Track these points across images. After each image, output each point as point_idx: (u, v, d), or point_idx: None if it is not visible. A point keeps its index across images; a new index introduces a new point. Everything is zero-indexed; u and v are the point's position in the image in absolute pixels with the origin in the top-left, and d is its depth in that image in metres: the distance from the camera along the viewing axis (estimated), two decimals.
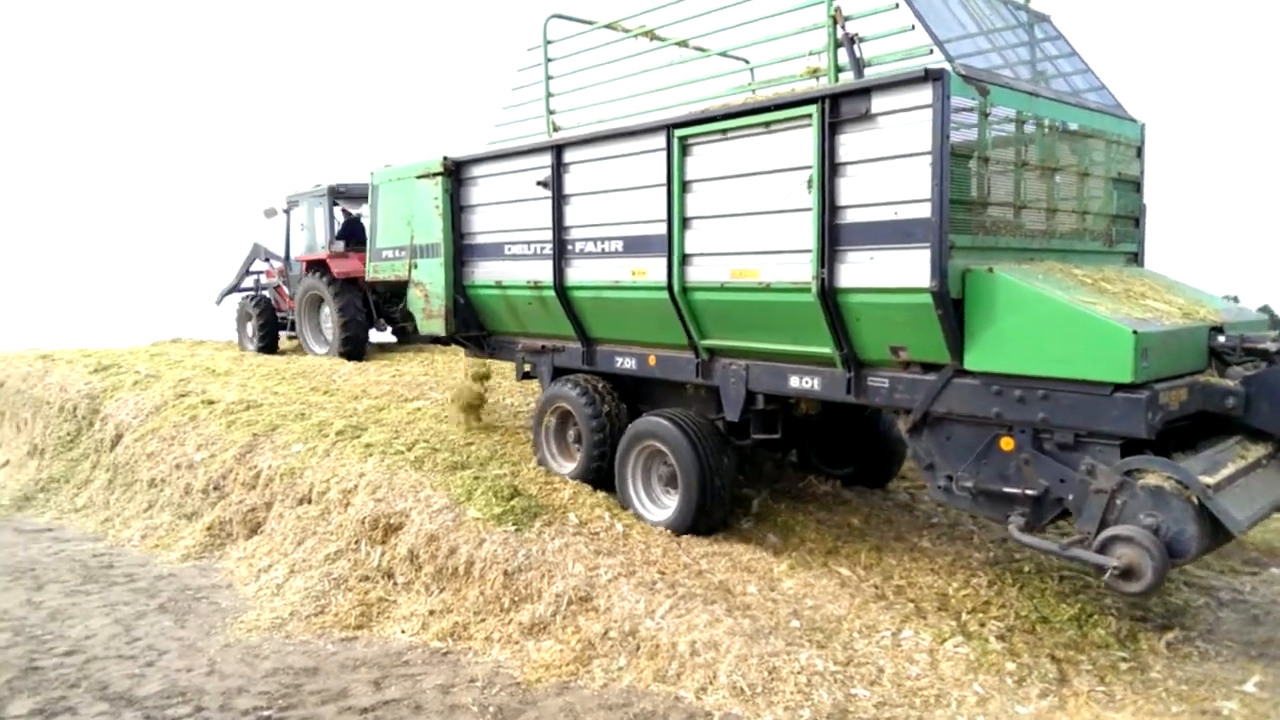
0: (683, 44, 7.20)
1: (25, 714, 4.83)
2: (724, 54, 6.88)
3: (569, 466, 7.38)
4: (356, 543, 6.68)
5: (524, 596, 5.69)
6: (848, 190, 5.07)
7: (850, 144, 5.04)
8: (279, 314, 15.96)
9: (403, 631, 5.88)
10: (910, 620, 5.20)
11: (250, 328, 16.25)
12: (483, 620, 5.73)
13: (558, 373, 7.64)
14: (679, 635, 4.97)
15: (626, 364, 6.96)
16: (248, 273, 17.33)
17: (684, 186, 5.99)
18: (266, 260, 16.89)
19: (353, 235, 14.14)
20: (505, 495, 6.56)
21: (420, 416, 9.26)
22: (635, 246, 6.42)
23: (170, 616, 6.33)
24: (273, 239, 16.63)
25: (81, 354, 18.25)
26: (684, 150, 5.95)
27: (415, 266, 8.46)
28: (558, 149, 6.93)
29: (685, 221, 6.02)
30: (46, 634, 6.05)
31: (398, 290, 16.71)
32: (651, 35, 7.15)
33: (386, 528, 6.61)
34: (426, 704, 4.80)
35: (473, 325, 8.32)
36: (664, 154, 6.06)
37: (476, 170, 7.85)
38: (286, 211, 15.65)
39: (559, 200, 6.96)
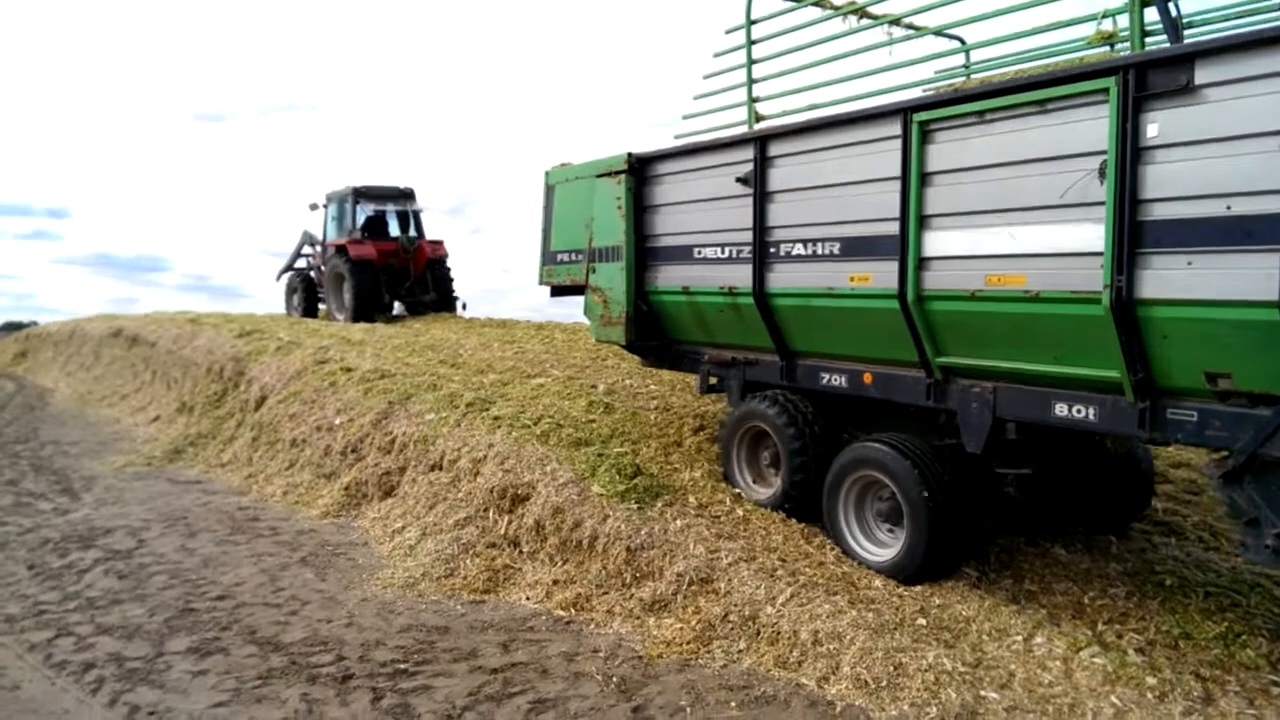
0: (895, 22, 6.54)
1: (183, 651, 5.22)
2: (938, 32, 6.39)
3: (764, 493, 6.77)
4: (485, 510, 6.92)
5: (645, 574, 5.79)
6: (1157, 180, 4.20)
7: (1163, 123, 4.14)
8: (319, 289, 19.84)
9: (527, 599, 6.07)
10: (1043, 626, 5.03)
11: (296, 299, 20.21)
12: (604, 593, 5.86)
13: (749, 388, 6.99)
14: (801, 624, 4.96)
15: (835, 381, 6.18)
16: (299, 255, 20.99)
17: (923, 180, 5.18)
18: (313, 245, 20.50)
19: (374, 228, 18.94)
20: (628, 474, 6.66)
21: (543, 393, 9.48)
22: (856, 249, 5.69)
23: (312, 570, 6.72)
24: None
25: (225, 319, 19.54)
26: (925, 137, 5.16)
27: (593, 271, 7.87)
28: (762, 141, 6.27)
29: (924, 220, 5.22)
30: (200, 579, 6.51)
31: (403, 271, 18.88)
32: (862, 13, 6.51)
33: (514, 498, 6.83)
34: (552, 669, 4.95)
35: (653, 333, 7.75)
36: (898, 142, 5.28)
37: (663, 167, 7.27)
38: (325, 206, 19.55)
39: (762, 198, 6.28)
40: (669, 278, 7.32)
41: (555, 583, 6.09)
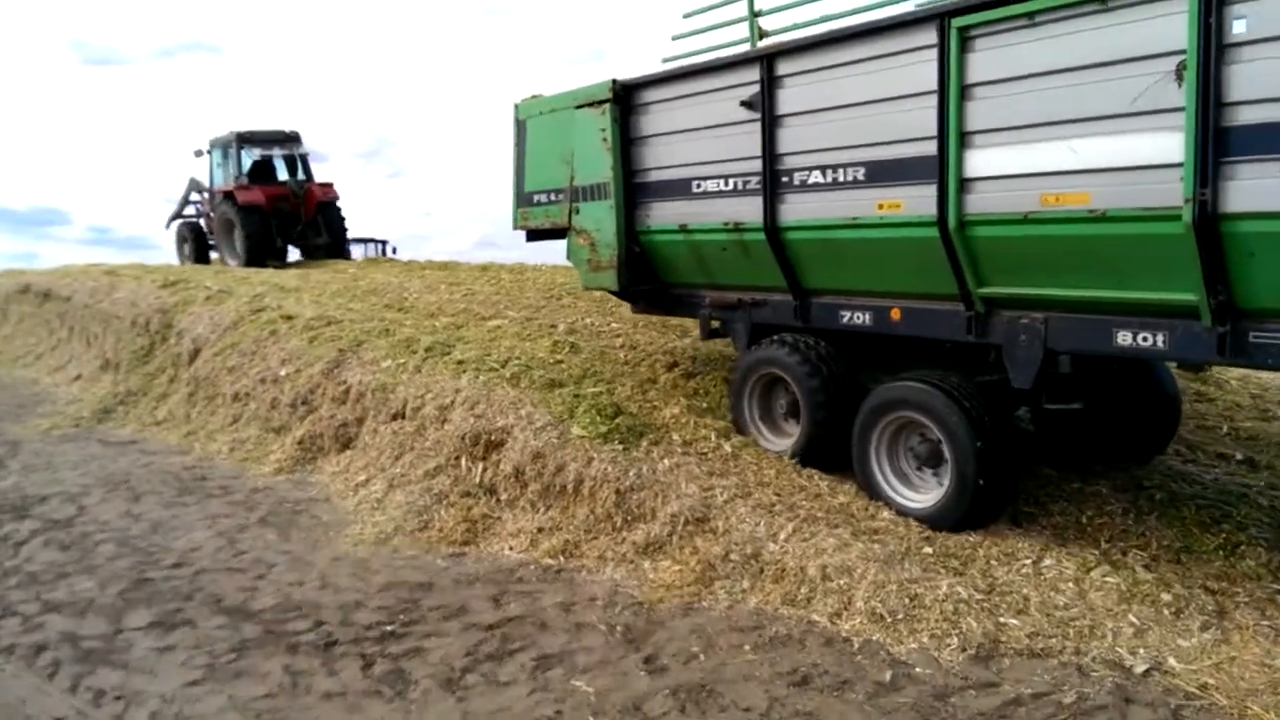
0: None
1: (145, 626, 4.80)
2: None
3: (781, 442, 6.38)
4: (456, 459, 6.56)
5: (637, 516, 5.54)
6: (1248, 80, 3.81)
7: (1253, 17, 3.76)
8: (209, 236, 19.72)
9: (510, 549, 5.78)
10: (1050, 549, 4.96)
11: (186, 248, 20.25)
12: (594, 539, 5.60)
13: (757, 331, 6.56)
14: (807, 559, 4.79)
15: (857, 319, 5.77)
16: (187, 202, 20.84)
17: (964, 93, 4.73)
18: (200, 192, 20.26)
19: (261, 173, 18.69)
20: (609, 414, 6.37)
21: (502, 335, 9.07)
22: (884, 174, 5.21)
23: (273, 530, 6.30)
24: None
25: (143, 269, 18.44)
26: (964, 45, 4.69)
27: (577, 211, 7.29)
28: (768, 59, 5.75)
29: (965, 138, 4.77)
30: (151, 546, 6.04)
31: (293, 215, 18.59)
32: None
33: (488, 444, 6.48)
34: (550, 621, 4.69)
35: (646, 277, 7.20)
36: (933, 52, 4.82)
37: (653, 94, 6.67)
38: (210, 153, 19.34)
39: (770, 123, 5.78)
40: (663, 215, 6.78)
41: (540, 530, 5.81)
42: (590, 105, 6.95)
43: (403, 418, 7.37)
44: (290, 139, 19.12)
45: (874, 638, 4.27)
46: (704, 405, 7.02)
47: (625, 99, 6.79)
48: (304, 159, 19.24)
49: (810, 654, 4.20)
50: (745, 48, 6.15)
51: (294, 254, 19.49)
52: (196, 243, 20.04)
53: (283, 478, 7.57)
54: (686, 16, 6.77)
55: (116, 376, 12.32)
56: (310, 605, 5.02)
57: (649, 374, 7.62)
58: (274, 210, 18.05)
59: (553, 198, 7.51)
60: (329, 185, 19.14)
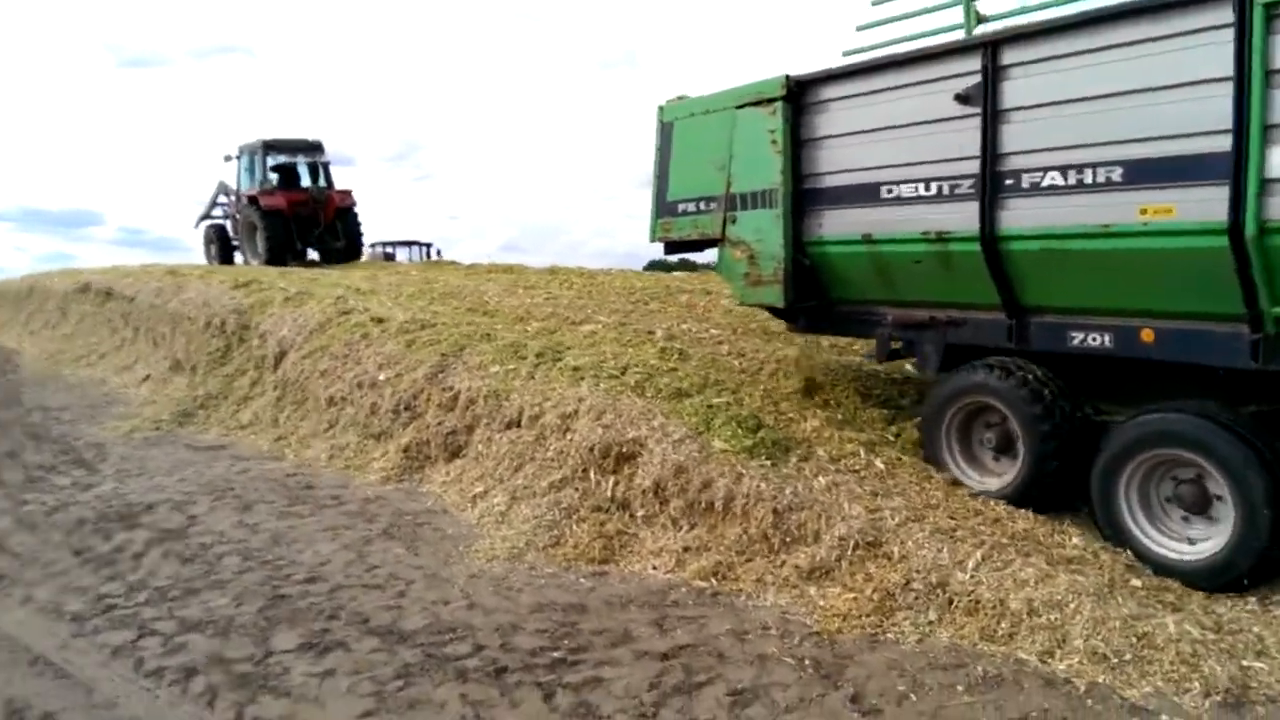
0: None
1: (295, 648, 4.52)
2: None
3: (988, 481, 5.76)
4: (584, 471, 6.25)
5: (797, 538, 5.20)
6: None
7: None
8: (234, 238, 20.92)
9: (653, 568, 5.46)
10: (1273, 584, 4.55)
11: (213, 249, 21.34)
12: (748, 561, 5.26)
13: (951, 353, 5.96)
14: (1006, 591, 4.42)
15: (1092, 341, 5.17)
16: (215, 204, 21.82)
17: (1268, 79, 4.15)
18: (228, 195, 21.28)
19: (284, 178, 19.80)
20: (750, 426, 6.04)
21: (600, 340, 8.76)
22: (1150, 173, 4.64)
23: (399, 543, 6.02)
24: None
25: (207, 270, 18.41)
26: (1271, 24, 4.12)
27: (733, 221, 6.71)
28: (992, 47, 5.23)
29: (1269, 132, 4.17)
30: (277, 559, 5.78)
31: (313, 220, 19.46)
32: None
33: (619, 457, 6.16)
34: (727, 651, 4.36)
35: (812, 292, 6.58)
36: (1230, 32, 4.27)
37: (834, 90, 6.10)
38: (238, 158, 20.42)
39: (992, 118, 5.24)
40: (841, 224, 6.19)
41: (686, 550, 5.48)
42: (756, 104, 6.43)
43: (518, 426, 7.07)
44: (313, 147, 20.33)
45: (1100, 680, 3.89)
46: (840, 417, 6.65)
47: (798, 96, 6.27)
48: (325, 166, 20.33)
49: (1032, 697, 3.84)
50: (948, 37, 5.72)
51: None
52: (222, 244, 21.15)
53: (391, 487, 7.32)
54: (876, 4, 6.34)
55: (193, 378, 12.18)
56: (463, 626, 4.73)
57: (771, 384, 7.26)
58: (294, 215, 19.13)
59: (703, 206, 6.96)
60: (347, 192, 20.18)
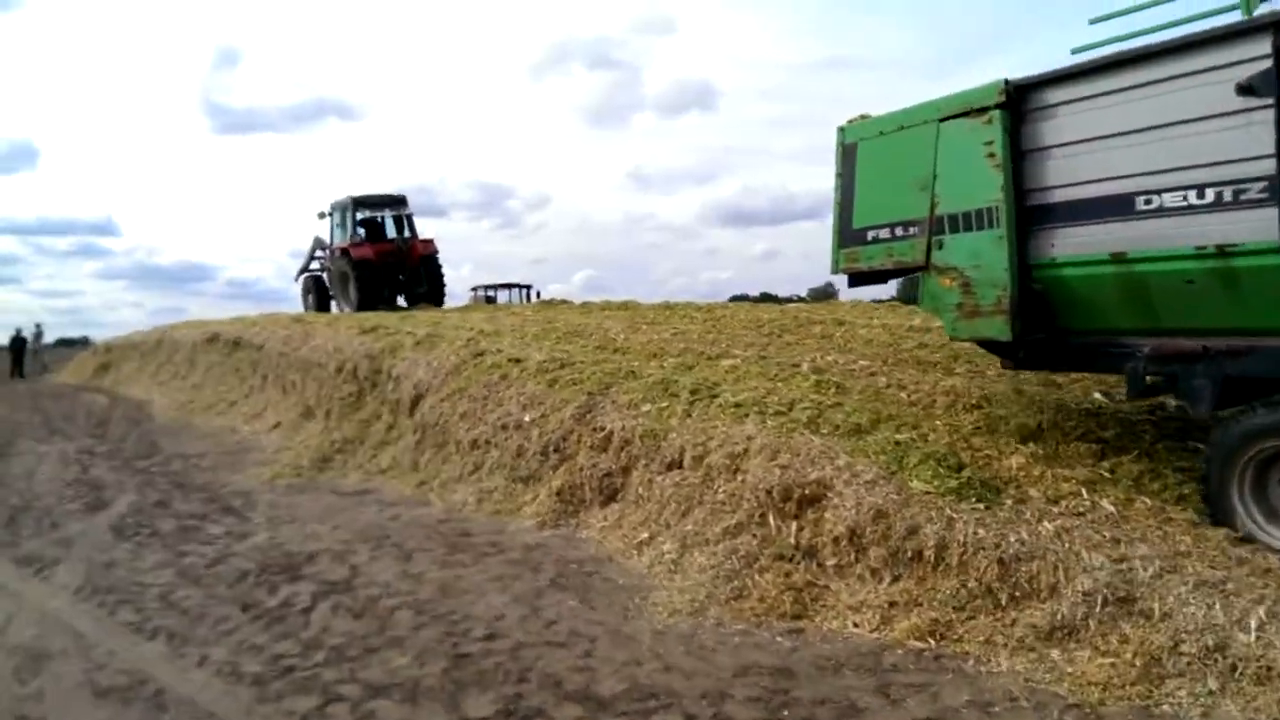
0: None
1: (490, 715, 4.18)
2: None
3: None
4: (761, 516, 5.81)
5: (1028, 592, 4.62)
6: None
7: None
8: (330, 288, 22.82)
9: (854, 625, 4.95)
10: None
11: (310, 299, 23.45)
12: (969, 619, 4.70)
13: (1230, 387, 5.19)
14: None
15: None
16: (313, 258, 23.87)
17: None
18: (323, 249, 23.21)
19: (372, 231, 21.87)
20: (951, 465, 5.50)
21: (744, 374, 8.34)
22: None
23: (572, 595, 5.67)
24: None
25: (332, 317, 18.77)
26: None
27: (939, 246, 6.09)
28: None
29: None
30: (449, 613, 5.49)
31: (398, 268, 21.04)
32: None
33: (801, 500, 5.70)
34: None
35: (1038, 323, 5.86)
36: None
37: (1066, 92, 5.48)
38: (330, 214, 22.45)
39: None
40: (1081, 243, 5.51)
41: (892, 605, 4.96)
42: (966, 115, 5.84)
43: (679, 467, 6.69)
44: (398, 201, 22.11)
45: None
46: (1043, 453, 6.01)
47: (1017, 103, 5.68)
48: (409, 218, 22.04)
49: None
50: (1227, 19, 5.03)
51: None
52: (319, 293, 23.16)
53: (548, 533, 7.01)
54: None
55: (328, 424, 12.25)
56: (664, 692, 4.31)
57: (951, 419, 6.69)
58: (382, 263, 20.80)
59: (900, 232, 6.33)
60: (429, 241, 21.95)
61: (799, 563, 5.51)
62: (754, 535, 5.77)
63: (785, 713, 4.06)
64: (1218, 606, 4.13)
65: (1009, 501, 5.19)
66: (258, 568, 6.58)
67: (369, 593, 5.90)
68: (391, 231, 21.99)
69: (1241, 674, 3.88)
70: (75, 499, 9.83)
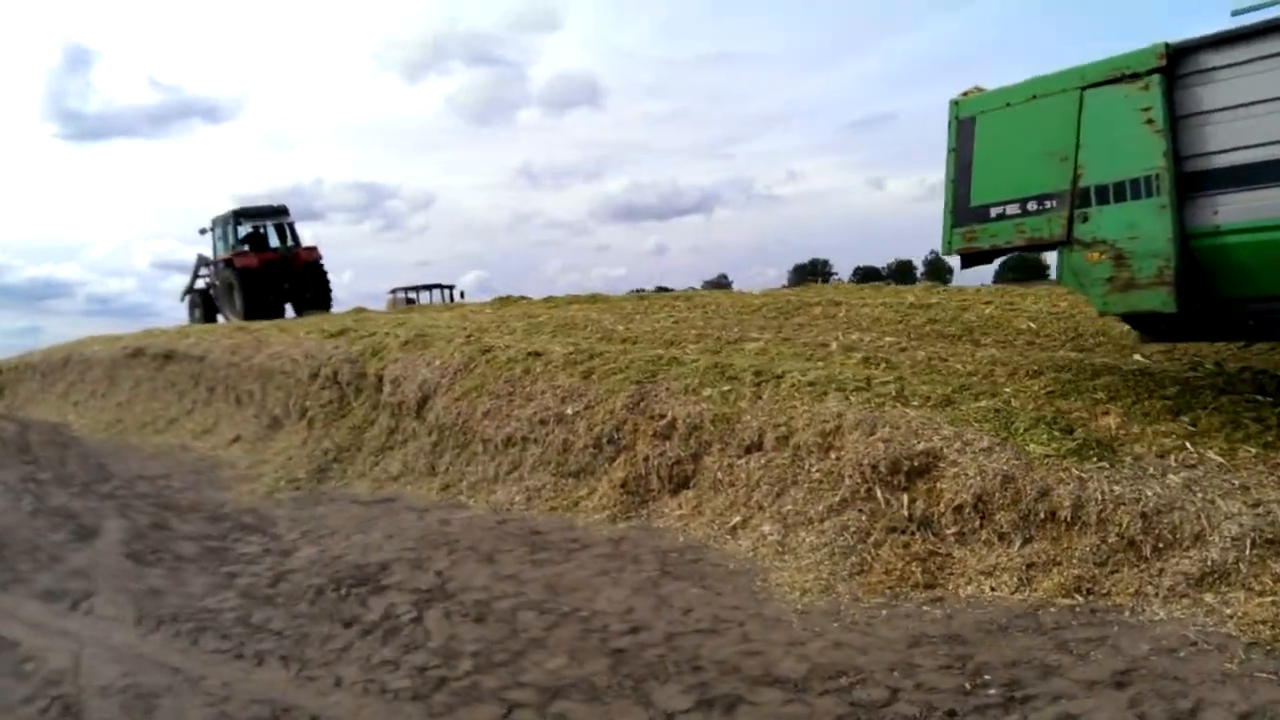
0: None
1: (691, 707, 4.06)
2: None
3: None
4: (868, 490, 5.83)
5: (1171, 542, 4.77)
6: None
7: None
8: (216, 300, 23.61)
9: (991, 589, 5.02)
10: None
11: (197, 313, 24.15)
12: (1114, 572, 4.84)
13: None
14: None
15: None
16: (197, 276, 24.81)
17: None
18: (207, 266, 24.14)
19: (255, 241, 22.59)
20: (1062, 428, 5.64)
21: (779, 355, 8.36)
22: None
23: (690, 583, 5.58)
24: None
25: (281, 325, 17.90)
26: None
27: (1084, 219, 5.92)
28: None
29: None
30: (574, 610, 5.33)
31: (283, 275, 21.52)
32: None
33: (910, 472, 5.74)
34: (1178, 672, 3.92)
35: (1195, 293, 5.71)
36: None
37: (1234, 54, 5.35)
38: (213, 229, 23.43)
39: None
40: (1256, 208, 5.36)
41: (1029, 566, 5.05)
42: (1116, 81, 5.70)
43: (759, 449, 6.65)
44: (279, 211, 22.99)
45: None
46: (1128, 412, 6.17)
47: (1172, 68, 5.54)
48: (291, 227, 22.85)
49: None
50: None
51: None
52: (205, 306, 23.99)
53: (624, 525, 6.86)
54: None
55: (310, 433, 11.68)
56: (851, 669, 4.28)
57: (1019, 385, 6.84)
58: (266, 272, 21.50)
59: (1031, 206, 6.16)
60: (313, 248, 22.77)
61: (915, 534, 5.55)
62: (860, 511, 5.78)
63: (986, 676, 4.08)
64: None
65: (1128, 459, 5.35)
66: (330, 582, 6.22)
67: (474, 597, 5.65)
68: (275, 241, 22.71)
69: None
70: (54, 529, 9.09)
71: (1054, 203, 6.01)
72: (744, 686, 4.19)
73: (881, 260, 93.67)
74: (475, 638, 5.03)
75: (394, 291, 37.23)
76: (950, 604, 4.95)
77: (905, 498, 5.70)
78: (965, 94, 6.50)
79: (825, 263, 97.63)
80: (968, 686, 4.01)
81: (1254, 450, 5.46)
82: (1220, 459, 5.39)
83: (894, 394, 6.44)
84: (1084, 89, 5.81)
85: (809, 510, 5.97)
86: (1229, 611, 4.38)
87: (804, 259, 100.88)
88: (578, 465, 7.78)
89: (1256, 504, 4.78)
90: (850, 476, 5.94)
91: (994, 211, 6.31)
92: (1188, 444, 5.57)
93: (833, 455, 6.17)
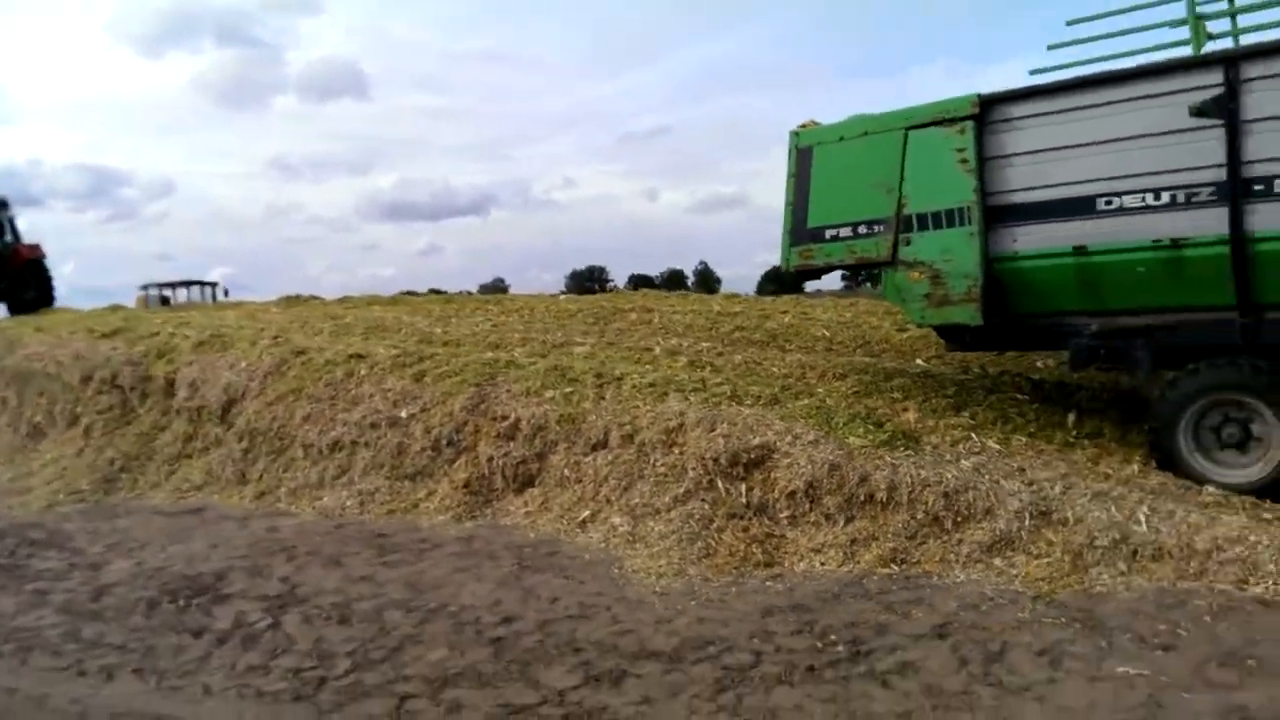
0: None
1: (580, 683, 4.33)
2: None
3: (1237, 474, 5.94)
4: (709, 482, 6.35)
5: (967, 516, 5.64)
6: None
7: None
8: None
9: (821, 564, 5.70)
10: None
11: None
12: (921, 544, 5.64)
13: (1161, 356, 6.25)
14: (1189, 535, 5.10)
15: None
16: None
17: None
18: None
19: None
20: (875, 422, 6.43)
21: (610, 360, 8.79)
22: None
23: (551, 574, 5.82)
24: None
25: (37, 323, 16.01)
26: None
27: (907, 243, 6.73)
28: (1230, 63, 5.66)
29: None
30: (440, 606, 5.40)
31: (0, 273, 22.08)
32: None
33: (748, 464, 6.32)
34: (985, 622, 4.69)
35: (996, 309, 6.62)
36: None
37: (1032, 107, 6.28)
38: None
39: (1234, 129, 5.63)
40: (1044, 239, 6.36)
41: (853, 542, 5.76)
42: (939, 124, 6.57)
43: (605, 447, 7.01)
44: None
45: None
46: (920, 408, 7.13)
47: (983, 116, 6.46)
48: (11, 222, 21.40)
49: (1259, 617, 4.49)
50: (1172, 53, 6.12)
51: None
52: None
53: (469, 525, 6.97)
54: (1071, 23, 6.76)
55: (88, 441, 10.65)
56: (715, 639, 4.73)
57: (829, 386, 7.67)
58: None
59: (861, 230, 6.96)
60: (35, 245, 21.44)
61: (753, 519, 6.13)
62: (704, 500, 6.29)
63: (832, 636, 4.67)
64: (1113, 509, 5.41)
65: (929, 448, 6.22)
66: (162, 594, 5.87)
67: (331, 600, 5.58)
68: None
69: (1141, 555, 5.14)
70: None
71: (881, 228, 6.88)
72: (625, 662, 4.52)
73: (655, 269, 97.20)
74: (345, 638, 5.00)
75: (145, 288, 34.05)
76: (789, 579, 5.54)
77: (744, 487, 6.27)
78: (803, 126, 7.27)
79: (603, 270, 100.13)
80: (819, 645, 4.57)
81: (1024, 439, 6.54)
82: (999, 446, 6.40)
83: (728, 394, 7.04)
84: (909, 129, 6.71)
85: (656, 502, 6.40)
86: (1015, 572, 5.26)
87: (581, 265, 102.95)
88: (415, 468, 7.77)
89: (1031, 483, 5.75)
90: (693, 469, 6.44)
91: (828, 233, 7.12)
92: (973, 434, 6.56)
93: (676, 450, 6.65)
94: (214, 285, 35.80)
